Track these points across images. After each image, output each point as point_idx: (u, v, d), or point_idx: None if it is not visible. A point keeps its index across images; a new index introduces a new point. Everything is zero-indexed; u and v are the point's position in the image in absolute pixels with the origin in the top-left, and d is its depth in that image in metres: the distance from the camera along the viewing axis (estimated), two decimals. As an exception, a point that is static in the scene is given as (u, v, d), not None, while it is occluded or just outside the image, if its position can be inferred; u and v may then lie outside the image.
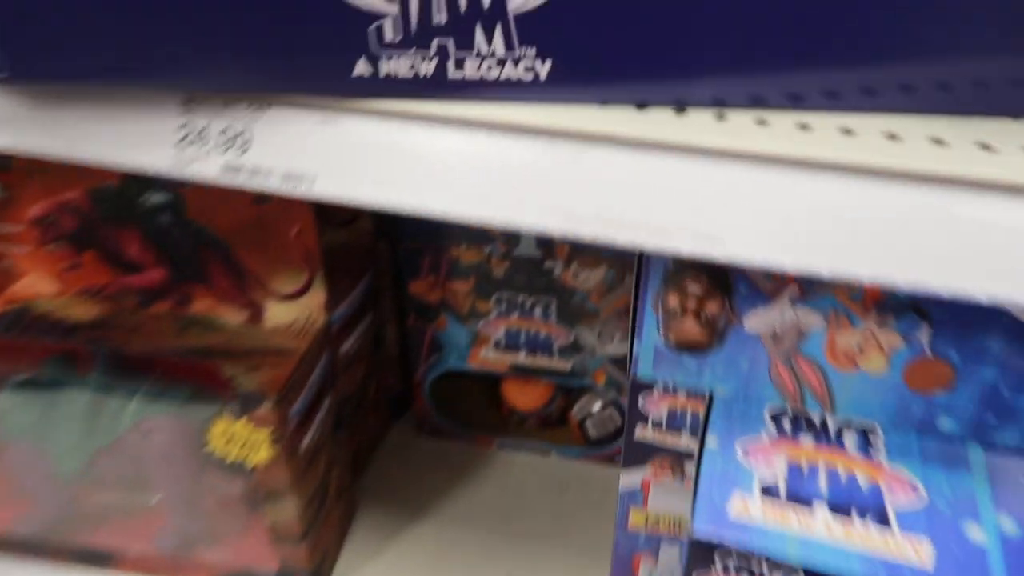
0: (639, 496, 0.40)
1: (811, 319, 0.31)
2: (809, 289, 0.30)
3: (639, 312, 0.32)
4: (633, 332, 0.33)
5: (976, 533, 0.29)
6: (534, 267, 0.50)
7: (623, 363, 0.53)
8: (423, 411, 0.59)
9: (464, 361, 0.56)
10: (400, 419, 0.62)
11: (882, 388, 0.32)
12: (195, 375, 0.43)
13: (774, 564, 0.29)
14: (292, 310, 0.46)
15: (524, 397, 0.58)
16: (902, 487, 0.31)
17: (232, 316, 0.47)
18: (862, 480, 0.31)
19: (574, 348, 0.53)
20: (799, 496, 0.30)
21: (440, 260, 0.51)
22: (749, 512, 0.30)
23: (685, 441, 0.36)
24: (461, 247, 0.50)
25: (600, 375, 0.54)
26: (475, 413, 0.61)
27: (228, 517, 0.46)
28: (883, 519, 0.30)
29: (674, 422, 0.35)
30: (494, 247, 0.50)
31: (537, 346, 0.54)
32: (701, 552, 0.30)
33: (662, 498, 0.39)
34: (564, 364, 0.54)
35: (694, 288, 0.30)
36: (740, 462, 0.31)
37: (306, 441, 0.45)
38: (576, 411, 0.58)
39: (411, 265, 0.52)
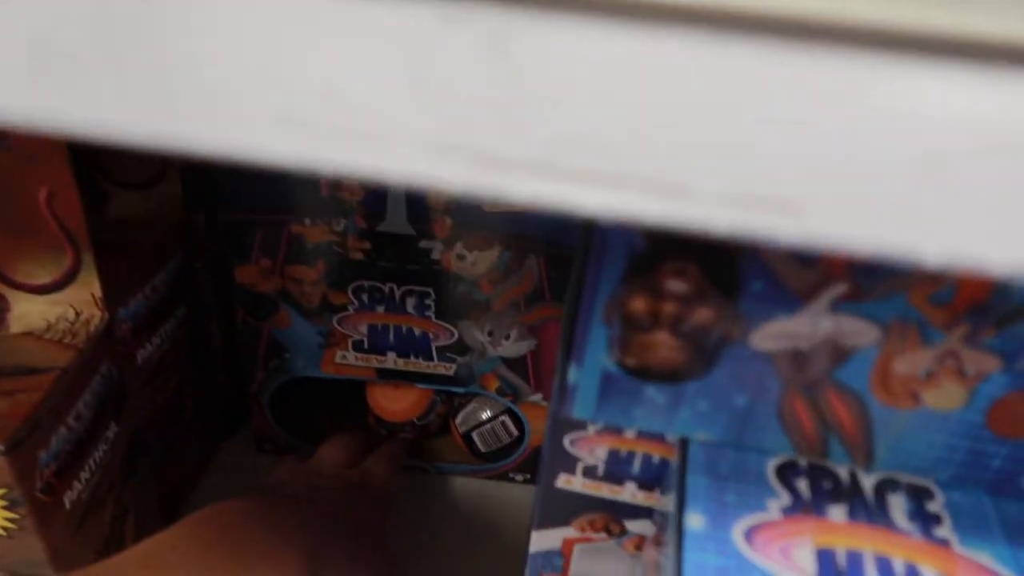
0: (557, 560, 0.29)
1: (861, 332, 0.20)
2: (869, 286, 0.19)
3: (580, 324, 0.20)
4: (568, 353, 0.21)
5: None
6: (405, 248, 0.38)
7: (519, 364, 0.42)
8: (262, 426, 0.46)
9: (315, 367, 0.43)
10: (232, 437, 0.48)
11: (950, 431, 0.22)
12: None
13: None
14: (51, 307, 0.33)
15: (394, 405, 0.47)
16: (989, 586, 0.21)
17: (-43, 318, 0.32)
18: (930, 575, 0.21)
19: (458, 348, 0.41)
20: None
21: (277, 238, 0.38)
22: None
23: (630, 493, 0.25)
24: (304, 221, 0.37)
25: (490, 380, 0.43)
26: (331, 425, 0.48)
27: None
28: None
29: (616, 469, 0.25)
30: (350, 222, 0.37)
31: (411, 347, 0.42)
32: None
33: (591, 563, 0.28)
34: (445, 368, 0.42)
35: (676, 286, 0.19)
36: (743, 554, 0.21)
37: (73, 494, 0.32)
38: (460, 421, 0.47)
39: (237, 245, 0.38)
